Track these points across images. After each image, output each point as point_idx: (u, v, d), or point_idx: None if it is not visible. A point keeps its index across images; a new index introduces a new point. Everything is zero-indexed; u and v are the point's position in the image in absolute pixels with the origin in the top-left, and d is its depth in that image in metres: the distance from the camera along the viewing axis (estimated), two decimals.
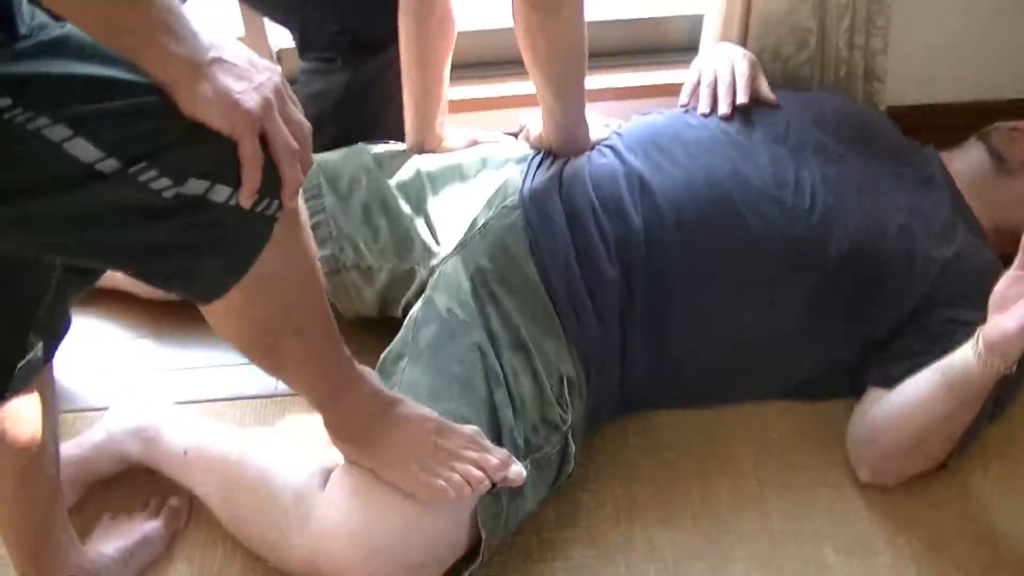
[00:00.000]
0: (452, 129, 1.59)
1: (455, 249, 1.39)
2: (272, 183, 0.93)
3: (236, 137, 0.89)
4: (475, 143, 1.57)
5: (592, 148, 1.47)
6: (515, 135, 1.59)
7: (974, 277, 1.39)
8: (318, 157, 1.49)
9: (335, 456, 1.25)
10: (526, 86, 1.43)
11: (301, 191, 1.35)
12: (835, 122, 1.51)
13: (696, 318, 1.37)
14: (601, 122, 1.53)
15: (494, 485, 1.18)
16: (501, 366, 1.28)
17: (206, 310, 1.01)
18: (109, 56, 0.86)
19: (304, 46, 1.61)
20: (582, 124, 1.47)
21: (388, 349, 1.34)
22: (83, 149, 0.83)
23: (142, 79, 0.87)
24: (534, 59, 1.36)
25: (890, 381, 1.34)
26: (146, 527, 1.31)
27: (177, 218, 0.89)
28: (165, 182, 0.87)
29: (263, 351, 1.08)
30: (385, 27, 1.48)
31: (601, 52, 1.82)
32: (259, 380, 1.51)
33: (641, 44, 1.85)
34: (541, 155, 1.48)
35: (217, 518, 1.31)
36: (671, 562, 1.29)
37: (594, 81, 1.77)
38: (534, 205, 1.38)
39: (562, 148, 1.47)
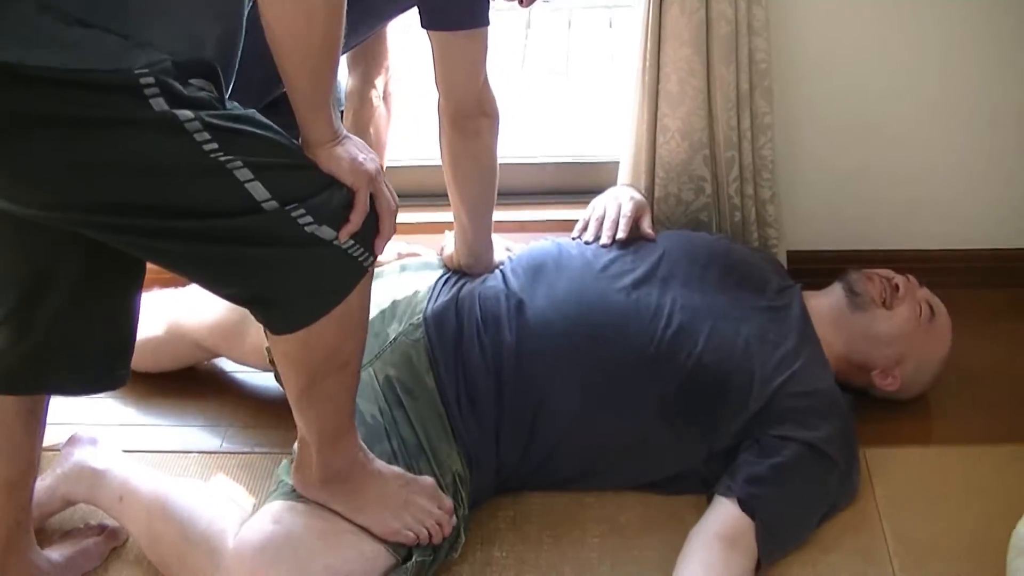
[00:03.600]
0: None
1: (371, 360, 1.64)
2: (370, 237, 1.26)
3: (356, 188, 1.23)
4: (399, 255, 1.89)
5: (492, 269, 1.76)
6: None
7: (806, 398, 1.63)
8: None
9: (248, 508, 1.54)
10: (450, 215, 1.76)
11: None
12: (706, 258, 1.77)
13: (558, 421, 1.62)
14: (503, 245, 1.82)
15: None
16: (410, 468, 1.55)
17: (282, 338, 1.29)
18: (276, 129, 1.21)
19: None
20: (487, 247, 1.77)
21: None
22: (259, 190, 1.18)
23: (297, 146, 1.23)
24: (454, 177, 1.68)
25: (731, 492, 1.56)
26: (88, 541, 1.60)
27: (303, 249, 1.22)
28: (308, 219, 1.21)
29: (311, 380, 1.35)
30: None
31: (534, 190, 2.12)
32: (204, 439, 1.82)
33: (572, 185, 2.14)
34: (447, 275, 1.77)
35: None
36: None
37: (526, 214, 2.08)
38: (434, 325, 1.66)
39: (469, 266, 1.77)
